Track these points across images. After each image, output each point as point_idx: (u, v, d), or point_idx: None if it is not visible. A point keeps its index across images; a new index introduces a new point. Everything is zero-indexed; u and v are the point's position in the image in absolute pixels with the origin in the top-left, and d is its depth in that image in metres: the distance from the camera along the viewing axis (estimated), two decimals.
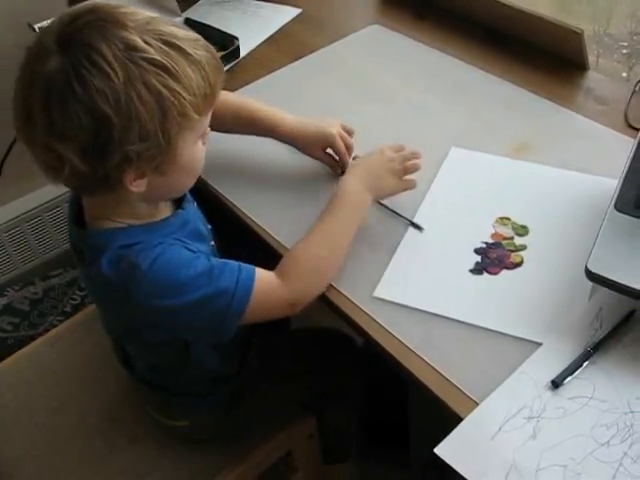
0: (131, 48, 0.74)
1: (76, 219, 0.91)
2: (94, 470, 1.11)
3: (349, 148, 1.09)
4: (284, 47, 1.40)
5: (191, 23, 1.45)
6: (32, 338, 1.52)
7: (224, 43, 1.39)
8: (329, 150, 1.10)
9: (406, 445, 1.44)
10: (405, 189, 1.01)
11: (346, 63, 1.35)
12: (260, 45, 1.42)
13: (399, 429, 1.43)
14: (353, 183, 0.97)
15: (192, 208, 0.96)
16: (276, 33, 1.45)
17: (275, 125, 1.10)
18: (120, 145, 0.75)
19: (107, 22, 0.75)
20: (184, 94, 0.77)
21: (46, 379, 1.25)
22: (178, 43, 0.77)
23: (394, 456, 1.47)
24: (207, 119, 0.85)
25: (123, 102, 0.74)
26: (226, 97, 1.11)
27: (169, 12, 1.48)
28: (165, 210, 0.92)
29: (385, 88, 1.28)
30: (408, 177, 1.01)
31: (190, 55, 0.78)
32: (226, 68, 1.35)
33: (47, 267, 1.90)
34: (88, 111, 0.73)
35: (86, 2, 0.79)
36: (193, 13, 1.51)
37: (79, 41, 0.74)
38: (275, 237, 1.03)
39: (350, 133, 1.10)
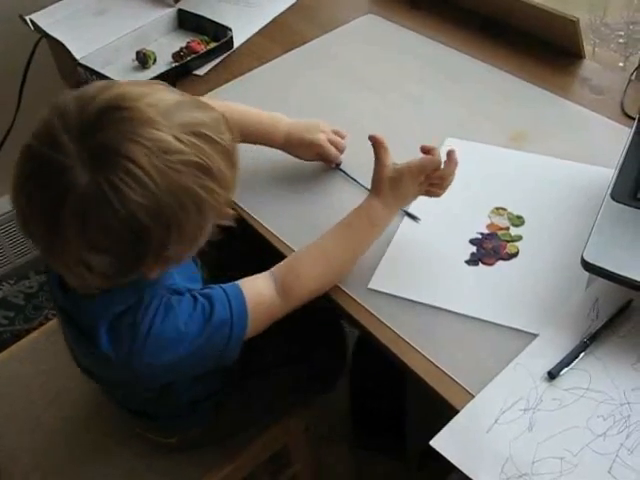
0: (165, 151, 0.69)
1: (59, 283, 0.84)
2: (89, 464, 1.11)
3: (340, 150, 1.09)
4: (278, 37, 1.39)
5: (184, 14, 1.44)
6: (27, 332, 1.51)
7: (217, 34, 1.38)
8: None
9: (402, 435, 1.44)
10: None
11: (340, 53, 1.34)
12: (254, 36, 1.41)
13: (395, 419, 1.44)
14: (378, 208, 0.92)
15: None
16: (270, 23, 1.44)
17: (266, 133, 1.08)
18: (155, 251, 0.73)
19: (134, 120, 0.69)
20: (220, 191, 0.74)
21: (41, 373, 1.24)
22: (206, 132, 0.73)
23: (390, 446, 1.48)
24: None
25: (163, 212, 0.70)
26: (214, 102, 1.09)
27: (163, 3, 1.47)
28: None
29: (380, 78, 1.27)
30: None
31: (218, 144, 0.74)
32: (219, 59, 1.35)
33: (42, 261, 1.88)
34: (126, 225, 0.69)
35: (99, 87, 0.73)
36: (186, 4, 1.49)
37: (109, 149, 0.68)
38: (280, 237, 1.01)
39: (342, 136, 1.10)
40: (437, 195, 0.95)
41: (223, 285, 0.86)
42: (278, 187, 1.09)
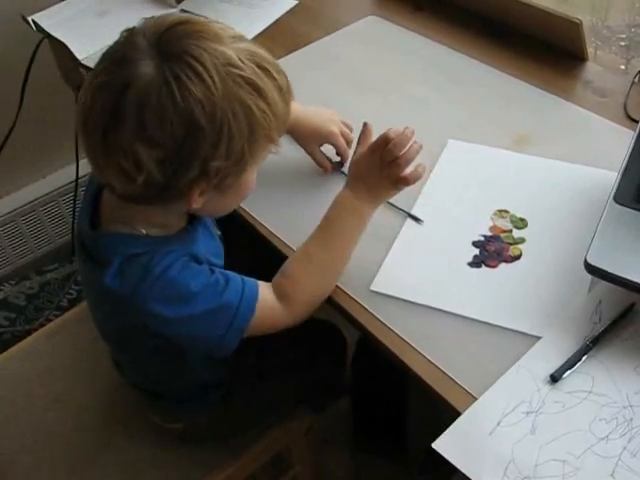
0: (230, 64, 0.74)
1: (90, 218, 0.88)
2: (90, 466, 1.11)
3: (349, 144, 1.08)
4: (280, 39, 1.39)
5: (184, 13, 1.44)
6: (28, 333, 1.51)
7: None
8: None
9: (403, 438, 1.44)
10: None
11: (343, 55, 1.33)
12: (256, 37, 1.40)
13: (396, 422, 1.44)
14: (354, 200, 0.92)
15: (203, 225, 0.93)
16: (272, 25, 1.43)
17: None
18: (204, 159, 0.75)
19: (205, 34, 0.75)
20: (271, 116, 0.77)
21: (42, 374, 1.24)
22: (266, 65, 0.77)
23: (390, 449, 1.47)
24: (278, 144, 0.84)
25: (218, 116, 0.73)
26: None
27: (165, 4, 1.47)
28: (182, 224, 0.90)
29: (382, 80, 1.26)
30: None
31: (276, 80, 0.78)
32: None
33: (43, 262, 1.89)
34: (184, 120, 0.72)
35: (174, 15, 0.79)
36: (189, 5, 1.49)
37: (179, 49, 0.73)
38: (279, 236, 1.02)
39: (350, 129, 1.10)
40: (407, 182, 0.91)
41: (242, 275, 0.88)
42: (279, 189, 1.09)
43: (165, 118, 0.72)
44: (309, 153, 1.09)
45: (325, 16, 1.46)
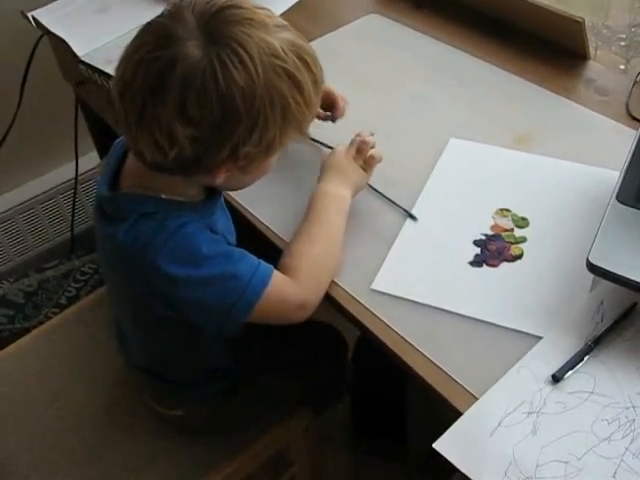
0: (274, 55, 0.75)
1: (110, 182, 0.89)
2: (89, 464, 1.10)
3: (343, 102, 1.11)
4: None
5: None
6: (27, 330, 1.50)
7: None
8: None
9: (402, 438, 1.44)
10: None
11: (344, 53, 1.33)
12: None
13: (395, 422, 1.43)
14: (328, 185, 0.98)
15: (219, 200, 0.95)
16: None
17: None
18: (236, 143, 0.77)
19: (253, 22, 0.76)
20: (305, 109, 0.80)
21: (40, 372, 1.23)
22: (307, 58, 0.79)
23: (390, 449, 1.47)
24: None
25: (256, 104, 0.75)
26: None
27: (165, 1, 1.46)
28: (198, 193, 0.92)
29: (383, 78, 1.26)
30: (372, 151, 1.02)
31: (312, 72, 0.80)
32: None
33: (41, 259, 1.89)
34: (223, 104, 0.74)
35: None
36: None
37: (227, 34, 0.74)
38: (274, 230, 1.01)
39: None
40: (373, 160, 1.01)
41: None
42: (276, 180, 1.08)
43: (206, 100, 0.74)
44: None
45: (326, 14, 1.45)
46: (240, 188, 0.93)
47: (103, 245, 0.94)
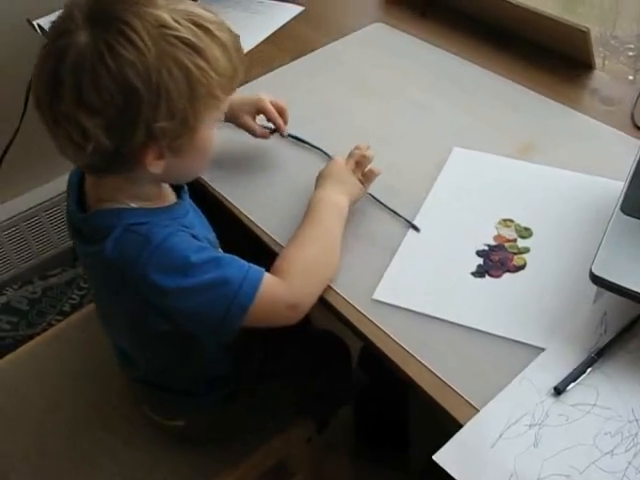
0: (163, 25, 0.75)
1: (78, 202, 0.90)
2: (89, 472, 1.10)
3: (282, 112, 1.10)
4: (285, 45, 1.39)
5: None
6: (30, 337, 1.50)
7: None
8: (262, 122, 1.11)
9: (404, 447, 1.43)
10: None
11: (348, 61, 1.33)
12: (261, 43, 1.40)
13: (396, 431, 1.43)
14: (325, 192, 0.98)
15: (189, 201, 0.97)
16: (278, 31, 1.43)
17: None
18: (147, 121, 0.76)
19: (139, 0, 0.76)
20: (212, 73, 0.78)
21: (42, 379, 1.23)
22: (205, 24, 0.78)
23: (392, 458, 1.47)
24: (227, 103, 0.85)
25: (154, 77, 0.74)
26: None
27: None
28: (170, 197, 0.93)
29: (388, 87, 1.26)
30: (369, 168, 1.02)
31: (217, 37, 0.79)
32: None
33: (46, 266, 1.89)
34: (119, 84, 0.74)
35: None
36: None
37: (111, 16, 0.75)
38: (269, 233, 1.02)
39: (282, 108, 1.12)
40: (372, 174, 1.01)
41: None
42: (273, 185, 1.09)
43: (101, 85, 0.74)
44: (242, 125, 1.11)
45: (331, 22, 1.45)
46: (188, 176, 0.92)
47: (88, 264, 0.94)
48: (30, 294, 1.82)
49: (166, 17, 0.75)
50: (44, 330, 1.65)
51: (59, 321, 1.70)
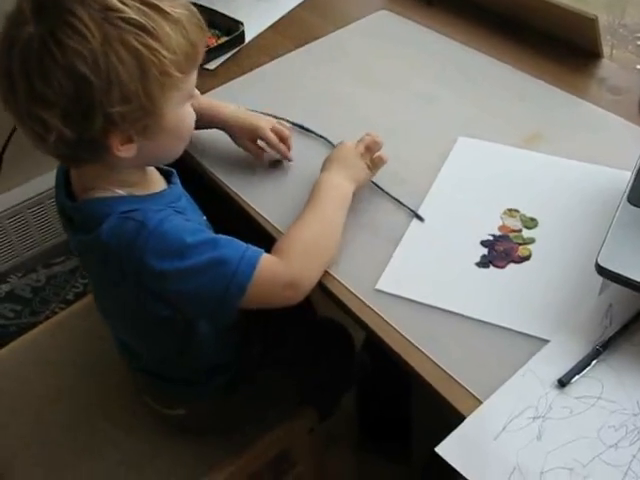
0: (107, 8, 0.74)
1: (66, 192, 0.90)
2: (90, 461, 1.10)
3: (285, 140, 1.08)
4: (290, 33, 1.37)
5: (196, 7, 1.42)
6: (34, 325, 1.50)
7: (229, 28, 1.36)
8: (261, 143, 1.09)
9: (407, 440, 1.43)
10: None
11: (353, 50, 1.32)
12: (265, 30, 1.39)
13: (399, 423, 1.42)
14: (331, 175, 0.98)
15: (180, 187, 0.96)
16: (282, 18, 1.42)
17: (215, 113, 1.10)
18: (102, 107, 0.75)
19: None
20: (164, 52, 0.76)
21: (45, 368, 1.23)
22: (156, 2, 0.76)
23: (394, 450, 1.46)
24: (192, 80, 0.84)
25: (101, 63, 0.73)
26: None
27: None
28: (160, 184, 0.93)
29: (392, 76, 1.24)
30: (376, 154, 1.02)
31: (168, 14, 0.77)
32: (230, 53, 1.33)
33: (49, 254, 1.88)
34: (67, 74, 0.73)
35: None
36: None
37: (54, 5, 0.74)
38: (272, 222, 1.01)
39: (286, 135, 1.09)
40: (381, 160, 1.01)
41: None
42: (276, 175, 1.09)
43: (49, 76, 0.73)
44: (242, 147, 1.10)
45: (336, 10, 1.44)
46: (167, 157, 0.91)
47: (83, 253, 0.94)
48: (34, 282, 1.82)
49: (112, 0, 0.74)
50: (47, 318, 1.66)
51: (63, 309, 1.70)
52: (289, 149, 1.08)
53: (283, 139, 1.08)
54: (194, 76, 0.84)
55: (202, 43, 0.83)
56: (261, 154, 1.09)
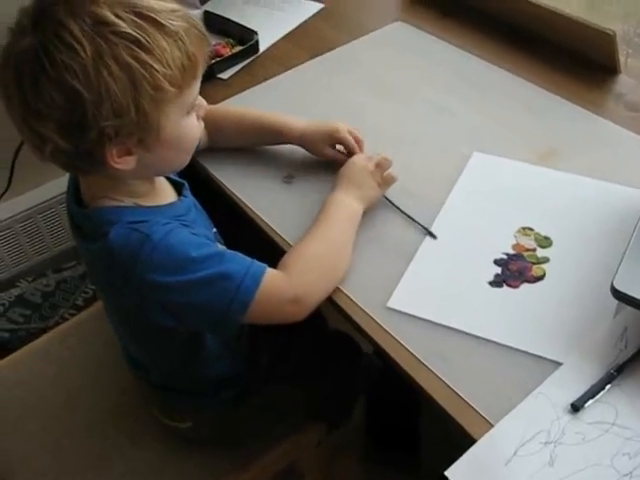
0: (100, 22, 0.73)
1: (76, 198, 0.90)
2: (97, 471, 1.10)
3: (359, 143, 1.07)
4: (304, 43, 1.37)
5: (210, 16, 1.42)
6: (43, 331, 1.51)
7: (243, 37, 1.36)
8: (339, 147, 1.07)
9: (415, 451, 1.42)
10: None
11: (367, 61, 1.31)
12: (280, 40, 1.38)
13: (408, 433, 1.41)
14: (341, 195, 0.97)
15: (191, 199, 0.96)
16: (296, 28, 1.41)
17: (283, 126, 1.09)
18: (95, 121, 0.74)
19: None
20: (157, 66, 0.75)
21: (52, 376, 1.23)
22: (152, 15, 0.76)
23: (402, 461, 1.45)
24: (191, 92, 0.82)
25: (93, 77, 0.73)
26: (226, 108, 1.15)
27: (189, 5, 1.45)
28: (170, 196, 0.93)
29: (407, 87, 1.24)
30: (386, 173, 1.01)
31: (165, 26, 0.76)
32: (244, 63, 1.33)
33: (60, 259, 1.89)
34: (58, 88, 0.73)
35: None
36: (213, 6, 1.48)
37: (49, 18, 0.74)
38: (282, 234, 1.00)
39: (360, 138, 1.08)
40: (391, 179, 1.01)
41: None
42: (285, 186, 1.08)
43: (41, 90, 0.73)
44: (321, 156, 1.09)
45: (351, 21, 1.43)
46: (169, 169, 0.91)
47: (89, 262, 0.94)
48: (44, 287, 1.82)
49: (105, 13, 0.73)
50: (57, 323, 1.66)
51: (72, 315, 1.71)
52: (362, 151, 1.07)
53: (358, 142, 1.07)
54: (195, 88, 0.83)
55: (202, 54, 0.82)
56: (342, 158, 1.06)
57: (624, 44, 1.24)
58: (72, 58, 0.72)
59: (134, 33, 0.74)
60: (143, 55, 0.74)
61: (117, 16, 0.74)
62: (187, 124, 0.84)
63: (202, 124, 0.90)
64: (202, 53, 0.81)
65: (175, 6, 0.79)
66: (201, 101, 0.87)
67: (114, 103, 0.74)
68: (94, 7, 0.74)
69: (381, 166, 1.00)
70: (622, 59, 1.21)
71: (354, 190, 0.98)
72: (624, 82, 1.19)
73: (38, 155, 0.79)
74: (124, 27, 0.74)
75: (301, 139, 1.08)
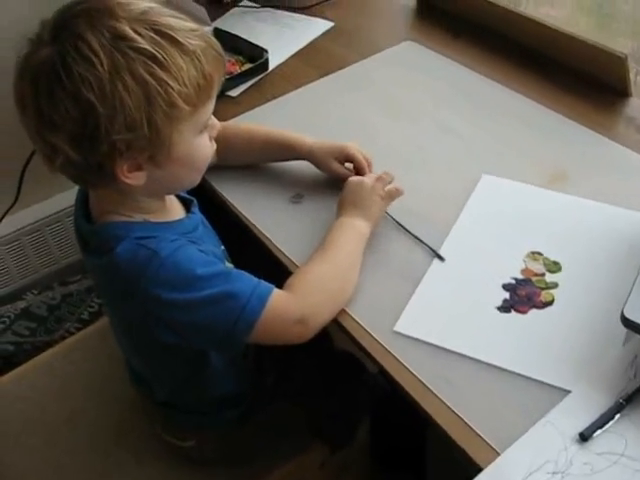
0: (119, 37, 0.74)
1: (84, 214, 0.90)
2: None
3: (369, 163, 1.06)
4: (314, 61, 1.37)
5: (220, 33, 1.43)
6: (48, 344, 1.50)
7: (253, 55, 1.36)
8: (348, 165, 1.07)
9: (420, 472, 1.40)
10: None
11: (376, 80, 1.31)
12: (289, 58, 1.38)
13: (413, 453, 1.40)
14: (347, 219, 0.97)
15: (199, 216, 0.96)
16: (306, 47, 1.42)
17: (293, 142, 1.09)
18: (107, 134, 0.75)
19: (98, 12, 0.75)
20: (172, 84, 0.75)
21: (56, 391, 1.23)
22: (171, 33, 0.76)
23: None
24: (205, 112, 0.82)
25: (108, 90, 0.73)
26: (236, 125, 1.14)
27: (199, 21, 1.45)
28: (179, 212, 0.93)
29: (416, 107, 1.23)
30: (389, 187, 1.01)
31: (183, 45, 0.77)
32: (254, 81, 1.33)
33: (66, 272, 1.88)
34: (73, 100, 0.73)
35: None
36: (223, 23, 1.48)
37: (68, 30, 0.75)
38: (288, 255, 1.00)
39: (369, 158, 1.08)
40: (396, 192, 1.00)
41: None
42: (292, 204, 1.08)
43: (56, 101, 0.74)
44: (329, 171, 1.09)
45: (361, 40, 1.43)
46: (179, 186, 0.91)
47: (96, 276, 0.94)
48: (50, 300, 1.82)
49: (125, 28, 0.74)
50: (62, 337, 1.66)
51: (78, 328, 1.70)
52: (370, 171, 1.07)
53: (367, 160, 1.07)
54: (209, 107, 0.83)
55: (218, 75, 0.82)
56: (350, 175, 1.06)
57: (633, 61, 1.23)
58: (88, 70, 0.73)
59: (152, 49, 0.75)
60: (159, 72, 0.75)
61: (136, 32, 0.74)
62: (199, 143, 0.84)
63: (214, 145, 0.89)
64: (218, 73, 0.82)
65: (194, 25, 0.80)
66: (214, 121, 0.87)
67: (127, 117, 0.74)
68: (114, 22, 0.74)
69: (382, 179, 1.00)
70: (632, 77, 1.20)
71: (358, 211, 0.97)
72: (635, 105, 1.19)
73: (49, 166, 0.80)
74: (142, 43, 0.74)
75: (310, 153, 1.08)
